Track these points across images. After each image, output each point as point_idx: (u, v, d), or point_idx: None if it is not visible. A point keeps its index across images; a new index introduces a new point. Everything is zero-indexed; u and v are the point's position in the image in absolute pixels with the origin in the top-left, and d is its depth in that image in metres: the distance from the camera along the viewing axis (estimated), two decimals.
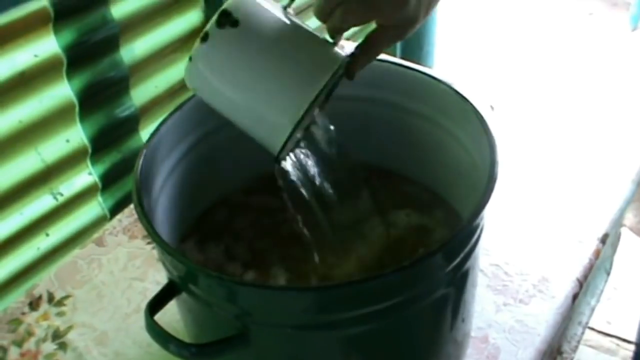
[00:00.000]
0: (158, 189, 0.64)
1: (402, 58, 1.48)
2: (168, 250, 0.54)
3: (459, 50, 2.43)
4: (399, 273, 0.52)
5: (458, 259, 0.56)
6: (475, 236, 0.58)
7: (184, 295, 0.56)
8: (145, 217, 0.56)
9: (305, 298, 0.53)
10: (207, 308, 0.55)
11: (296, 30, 0.56)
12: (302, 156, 0.63)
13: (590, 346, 1.49)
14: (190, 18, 1.18)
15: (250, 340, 0.54)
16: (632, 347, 1.50)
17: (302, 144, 0.63)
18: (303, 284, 0.65)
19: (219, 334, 0.54)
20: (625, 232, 1.05)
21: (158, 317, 0.54)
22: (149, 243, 0.87)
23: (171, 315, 0.61)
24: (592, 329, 1.52)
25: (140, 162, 0.60)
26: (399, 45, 1.71)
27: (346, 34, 0.55)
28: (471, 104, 0.64)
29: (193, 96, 0.67)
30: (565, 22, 2.65)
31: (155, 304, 0.55)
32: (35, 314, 0.80)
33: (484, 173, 0.58)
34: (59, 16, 0.96)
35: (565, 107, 2.14)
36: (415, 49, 1.76)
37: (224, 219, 0.72)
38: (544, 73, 2.34)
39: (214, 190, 0.74)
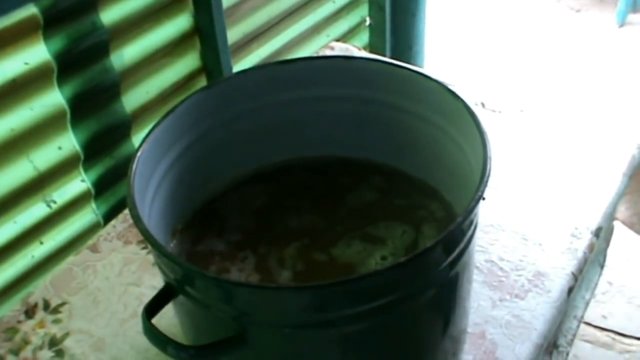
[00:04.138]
0: (152, 193, 0.64)
1: (392, 58, 1.49)
2: (165, 253, 0.54)
3: (449, 49, 2.44)
4: (395, 270, 0.52)
5: (453, 255, 0.56)
6: (470, 232, 0.58)
7: (181, 297, 0.56)
8: (141, 221, 0.56)
9: (301, 297, 0.53)
10: (204, 310, 0.55)
11: None
12: None
13: (586, 341, 1.50)
14: (179, 22, 1.18)
15: (248, 341, 0.54)
16: (628, 341, 1.50)
17: None
18: (299, 283, 0.65)
19: (216, 336, 0.54)
20: (618, 226, 1.05)
21: (155, 323, 0.54)
22: (143, 248, 0.87)
23: (168, 320, 0.61)
24: (588, 323, 1.53)
25: (134, 166, 0.60)
26: (388, 45, 1.72)
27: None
28: (463, 100, 0.64)
29: (184, 100, 0.67)
30: (553, 19, 2.67)
31: (153, 307, 0.55)
32: (31, 322, 0.80)
33: (477, 169, 0.58)
34: (49, 23, 0.96)
35: (556, 103, 2.15)
36: (405, 49, 1.77)
37: (218, 218, 0.72)
38: (533, 69, 2.36)
39: (207, 191, 0.74)
